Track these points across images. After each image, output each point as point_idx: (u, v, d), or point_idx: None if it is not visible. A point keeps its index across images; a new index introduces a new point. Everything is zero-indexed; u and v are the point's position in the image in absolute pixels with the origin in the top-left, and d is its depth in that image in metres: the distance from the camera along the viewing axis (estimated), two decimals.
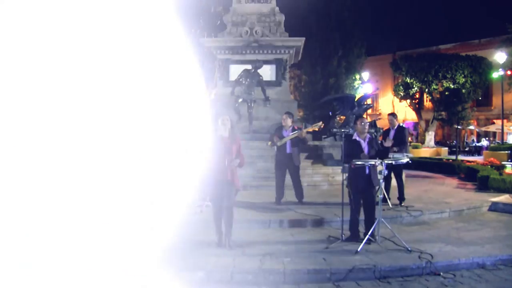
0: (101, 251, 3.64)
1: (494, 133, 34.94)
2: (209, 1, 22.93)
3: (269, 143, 7.74)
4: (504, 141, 28.08)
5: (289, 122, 7.80)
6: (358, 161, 5.53)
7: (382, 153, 5.91)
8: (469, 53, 29.65)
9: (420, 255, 5.02)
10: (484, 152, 24.04)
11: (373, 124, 11.23)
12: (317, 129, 8.24)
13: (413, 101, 30.91)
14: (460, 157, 19.38)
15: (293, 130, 7.72)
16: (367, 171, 5.63)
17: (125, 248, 3.92)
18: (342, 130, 5.95)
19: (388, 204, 7.58)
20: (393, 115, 8.45)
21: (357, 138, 5.86)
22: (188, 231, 5.19)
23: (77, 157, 3.34)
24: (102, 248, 3.66)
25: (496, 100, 32.57)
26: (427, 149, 27.94)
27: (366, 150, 5.73)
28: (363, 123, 5.84)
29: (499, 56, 24.49)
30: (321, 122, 8.28)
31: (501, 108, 25.53)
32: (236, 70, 12.54)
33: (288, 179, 7.88)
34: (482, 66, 28.26)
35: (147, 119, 3.89)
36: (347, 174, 5.85)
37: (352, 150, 5.75)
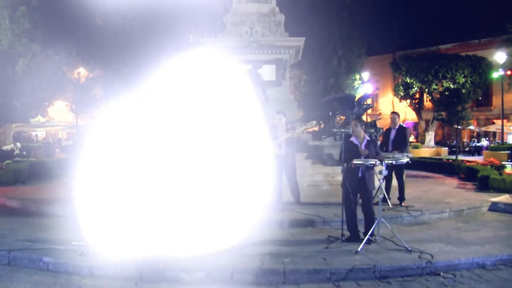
0: None
1: (494, 133, 34.93)
2: (209, 1, 22.93)
3: None
4: (504, 141, 28.07)
5: (283, 121, 7.77)
6: (358, 161, 5.53)
7: (380, 157, 5.89)
8: (469, 53, 29.67)
9: (420, 255, 5.03)
10: (484, 152, 24.03)
11: (373, 124, 11.20)
12: (316, 129, 8.22)
13: (413, 101, 30.91)
14: (460, 157, 19.37)
15: (287, 129, 7.69)
16: (360, 173, 5.62)
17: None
18: (342, 130, 5.93)
19: (388, 204, 7.58)
20: (396, 113, 8.43)
21: (355, 141, 5.84)
22: None
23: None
24: None
25: (496, 100, 32.56)
26: (427, 149, 27.93)
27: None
28: (355, 126, 5.82)
29: (499, 56, 24.49)
30: (314, 122, 8.21)
31: (501, 108, 25.54)
32: None
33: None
34: (482, 66, 28.27)
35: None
36: None
37: (349, 151, 5.73)
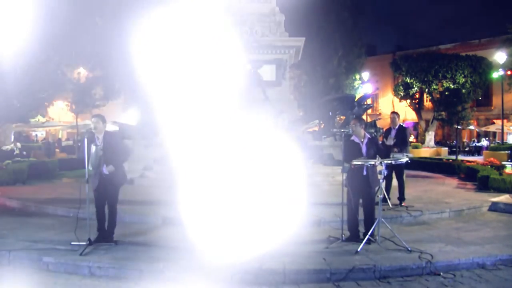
0: None
1: (494, 133, 34.94)
2: (209, 1, 22.93)
3: None
4: (504, 141, 28.08)
5: (285, 122, 7.76)
6: (358, 161, 5.53)
7: (383, 153, 5.89)
8: (469, 53, 29.69)
9: (420, 255, 5.02)
10: (484, 152, 24.04)
11: (373, 124, 11.20)
12: (316, 129, 8.23)
13: (413, 101, 30.93)
14: (460, 157, 19.38)
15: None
16: (364, 172, 5.63)
17: None
18: (342, 130, 5.93)
19: (388, 204, 7.58)
20: (396, 113, 8.44)
21: (356, 140, 5.84)
22: None
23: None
24: None
25: (496, 100, 32.58)
26: (427, 149, 27.94)
27: (364, 151, 5.71)
28: (355, 126, 5.82)
29: (499, 56, 24.48)
30: (317, 121, 8.20)
31: (501, 108, 25.53)
32: None
33: None
34: (482, 66, 28.28)
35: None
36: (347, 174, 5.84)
37: (350, 151, 5.73)
